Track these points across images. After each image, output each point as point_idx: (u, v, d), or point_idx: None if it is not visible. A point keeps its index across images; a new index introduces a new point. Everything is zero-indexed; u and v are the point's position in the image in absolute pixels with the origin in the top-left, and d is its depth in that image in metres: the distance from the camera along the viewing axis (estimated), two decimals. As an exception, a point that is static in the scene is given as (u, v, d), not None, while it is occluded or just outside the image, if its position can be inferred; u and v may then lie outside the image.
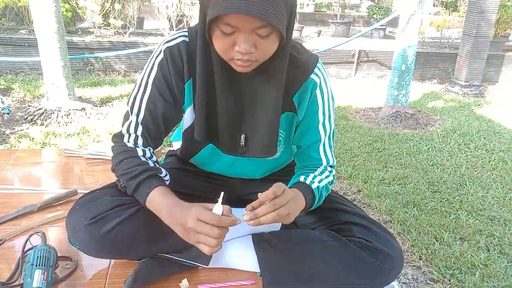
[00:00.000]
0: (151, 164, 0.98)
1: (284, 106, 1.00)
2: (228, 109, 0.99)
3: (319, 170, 1.08)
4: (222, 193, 0.88)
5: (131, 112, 1.01)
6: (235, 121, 1.01)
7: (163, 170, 1.00)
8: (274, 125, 1.00)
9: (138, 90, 1.02)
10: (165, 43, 1.00)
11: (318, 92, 1.04)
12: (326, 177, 1.07)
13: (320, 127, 1.07)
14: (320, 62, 1.05)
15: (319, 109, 1.06)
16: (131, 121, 1.01)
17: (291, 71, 0.97)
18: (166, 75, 1.00)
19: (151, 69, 1.01)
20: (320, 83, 1.04)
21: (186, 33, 1.00)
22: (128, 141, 1.01)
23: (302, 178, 1.03)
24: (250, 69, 0.90)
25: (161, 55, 1.00)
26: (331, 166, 1.11)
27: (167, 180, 1.01)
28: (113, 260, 1.11)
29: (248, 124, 1.01)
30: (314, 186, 1.02)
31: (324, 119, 1.07)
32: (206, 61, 0.94)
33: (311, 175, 1.05)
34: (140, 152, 0.99)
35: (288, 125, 1.06)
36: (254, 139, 1.02)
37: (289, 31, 0.90)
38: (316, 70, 1.03)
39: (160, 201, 0.93)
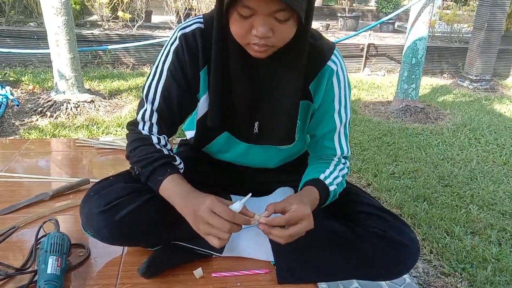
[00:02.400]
0: (166, 152, 0.98)
1: (301, 94, 0.99)
2: (243, 95, 0.98)
3: (333, 163, 1.06)
4: (250, 195, 0.88)
5: (146, 100, 1.01)
6: (250, 108, 0.99)
7: (177, 158, 1.00)
8: (292, 112, 0.98)
9: (153, 77, 1.01)
10: (180, 30, 0.99)
11: (334, 79, 1.02)
12: (341, 170, 1.06)
13: (336, 116, 1.05)
14: (337, 49, 1.03)
15: (335, 97, 1.04)
16: (146, 108, 1.00)
17: (308, 58, 0.95)
18: (182, 62, 0.99)
19: (166, 56, 1.00)
20: (337, 70, 1.02)
21: (202, 20, 0.99)
22: (143, 129, 1.00)
23: (322, 176, 1.01)
24: (266, 55, 0.89)
25: (177, 42, 0.98)
26: (345, 157, 1.10)
27: (181, 168, 1.00)
28: (126, 248, 1.10)
29: (264, 111, 1.00)
30: (332, 188, 1.00)
31: (340, 107, 1.05)
32: (222, 47, 0.93)
33: (327, 171, 1.03)
34: (154, 140, 0.98)
35: (303, 113, 1.05)
36: (271, 126, 1.00)
37: (309, 17, 0.88)
38: (333, 57, 1.01)
39: (173, 189, 0.92)
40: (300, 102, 1.00)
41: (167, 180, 0.92)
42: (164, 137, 1.01)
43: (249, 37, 0.85)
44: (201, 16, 1.00)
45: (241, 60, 0.93)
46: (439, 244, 1.98)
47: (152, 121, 1.00)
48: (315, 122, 1.07)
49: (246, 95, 0.98)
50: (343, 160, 1.09)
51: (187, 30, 0.98)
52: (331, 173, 1.03)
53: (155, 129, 1.00)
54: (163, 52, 1.01)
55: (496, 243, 2.02)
